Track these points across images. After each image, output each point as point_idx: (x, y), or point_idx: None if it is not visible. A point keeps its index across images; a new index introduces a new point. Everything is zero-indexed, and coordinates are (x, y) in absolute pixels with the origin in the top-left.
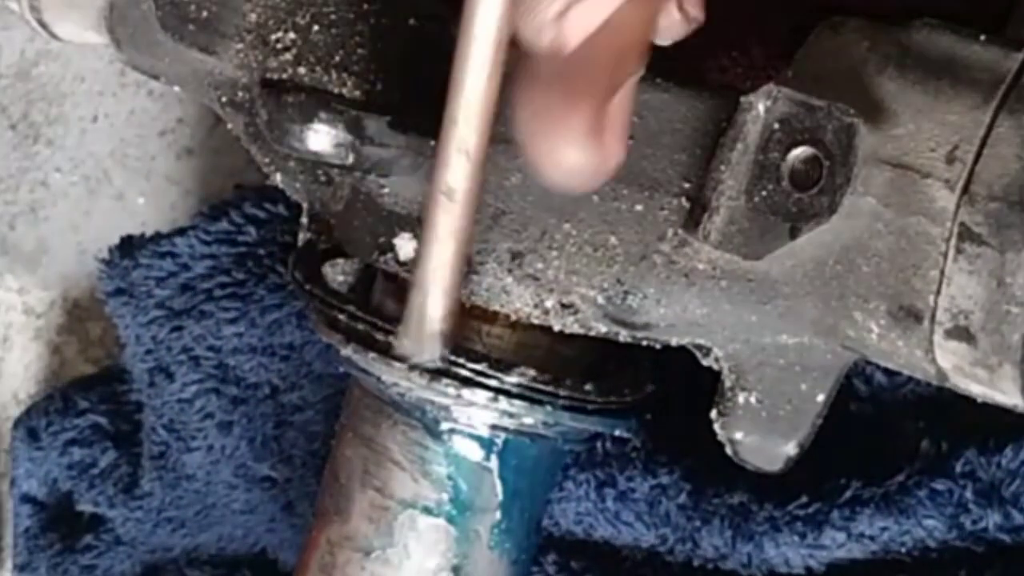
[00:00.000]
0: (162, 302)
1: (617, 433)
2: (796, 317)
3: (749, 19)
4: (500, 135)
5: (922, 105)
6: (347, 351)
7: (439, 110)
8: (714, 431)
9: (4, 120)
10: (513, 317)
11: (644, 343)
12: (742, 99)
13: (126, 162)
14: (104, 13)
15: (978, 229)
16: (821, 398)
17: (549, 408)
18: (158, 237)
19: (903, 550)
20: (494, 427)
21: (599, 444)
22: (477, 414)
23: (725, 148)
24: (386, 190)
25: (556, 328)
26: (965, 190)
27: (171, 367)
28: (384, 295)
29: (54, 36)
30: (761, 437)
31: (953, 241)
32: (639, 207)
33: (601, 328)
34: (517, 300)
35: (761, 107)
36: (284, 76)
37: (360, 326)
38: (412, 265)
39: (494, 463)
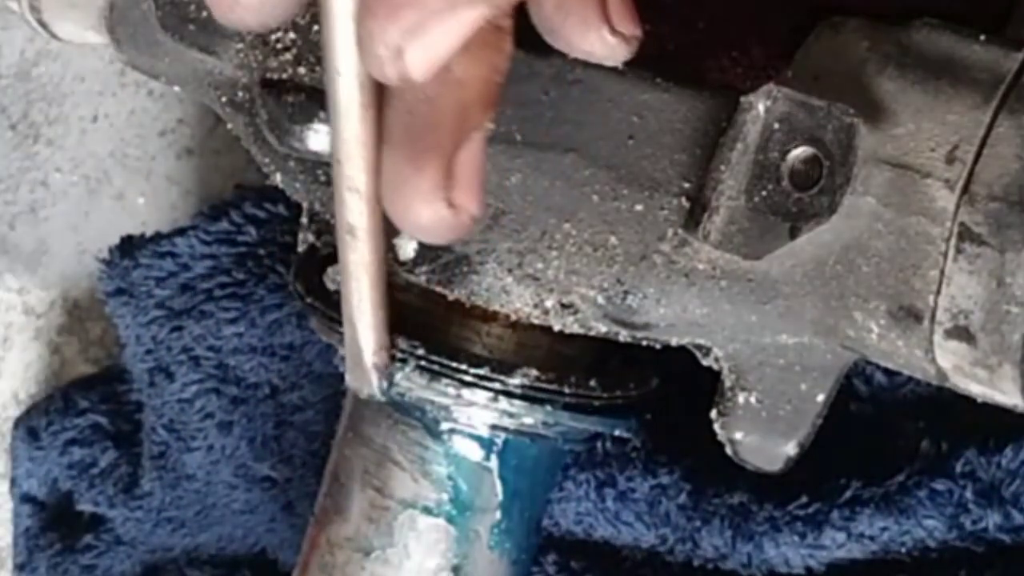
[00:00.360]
0: (162, 302)
1: (617, 433)
2: (796, 317)
3: (749, 19)
4: (500, 136)
5: (922, 105)
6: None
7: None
8: (714, 431)
9: (4, 120)
10: (513, 317)
11: (644, 343)
12: (742, 99)
13: (126, 162)
14: (104, 13)
15: (978, 229)
16: (821, 398)
17: (549, 408)
18: (158, 237)
19: (903, 550)
20: (494, 427)
21: (599, 444)
22: (477, 414)
23: (725, 148)
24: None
25: (556, 328)
26: (965, 190)
27: (171, 367)
28: None
29: (54, 36)
30: (761, 437)
31: (953, 241)
32: (639, 207)
33: (601, 328)
34: (517, 300)
35: (761, 107)
36: (284, 76)
37: None
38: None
39: (494, 463)
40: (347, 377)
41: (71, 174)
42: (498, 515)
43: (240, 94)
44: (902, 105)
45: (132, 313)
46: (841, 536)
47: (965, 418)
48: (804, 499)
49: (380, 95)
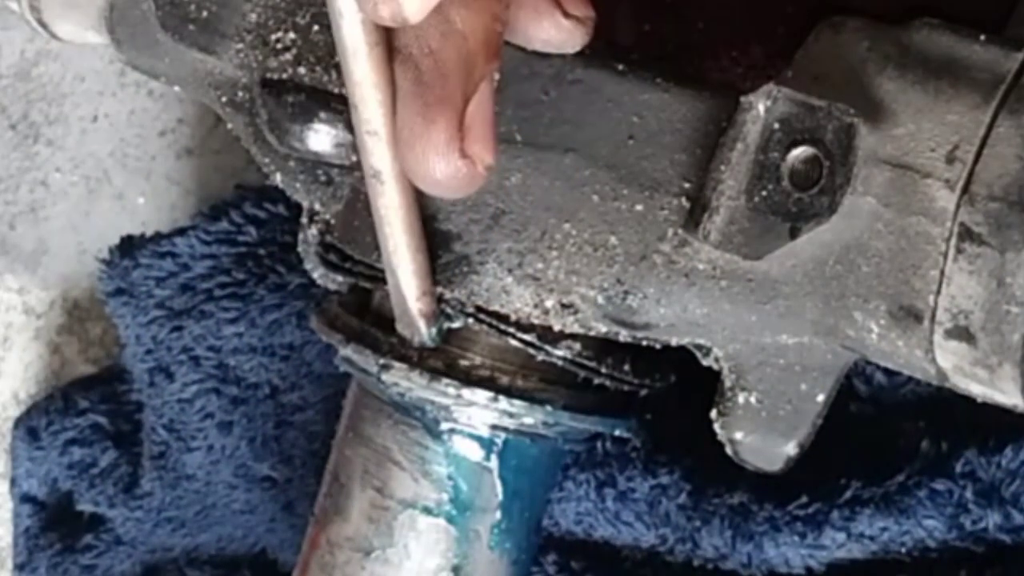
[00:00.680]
0: (162, 302)
1: (617, 433)
2: (796, 317)
3: (749, 19)
4: (500, 136)
5: (922, 105)
6: (346, 351)
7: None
8: (714, 431)
9: (4, 120)
10: (513, 318)
11: (644, 343)
12: (742, 99)
13: (126, 162)
14: (104, 13)
15: (978, 229)
16: (821, 398)
17: (549, 408)
18: (158, 237)
19: (903, 550)
20: (494, 427)
21: (599, 444)
22: (477, 414)
23: (725, 148)
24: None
25: (556, 328)
26: (965, 190)
27: (171, 367)
28: (384, 295)
29: (54, 36)
30: (761, 437)
31: (953, 241)
32: (639, 207)
33: (601, 328)
34: (517, 300)
35: (761, 107)
36: (284, 76)
37: (359, 326)
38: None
39: (494, 463)
40: (397, 326)
41: (71, 174)
42: (498, 515)
43: (240, 94)
44: (902, 105)
45: (132, 313)
46: (841, 536)
47: (965, 418)
48: (804, 499)
49: (386, 36)
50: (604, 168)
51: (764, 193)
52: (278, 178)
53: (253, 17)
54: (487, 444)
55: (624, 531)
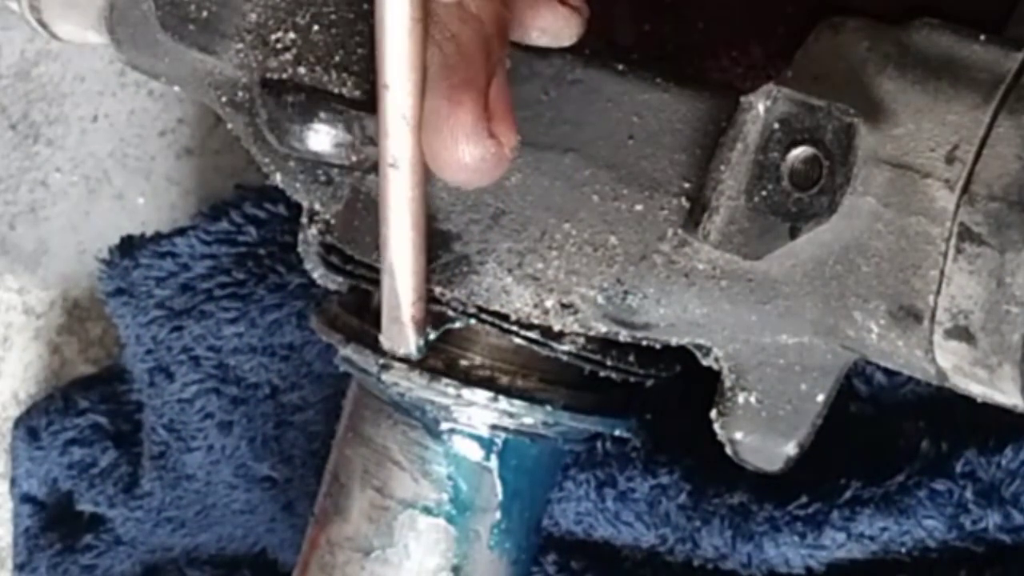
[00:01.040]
0: (162, 302)
1: (617, 433)
2: (796, 317)
3: (749, 19)
4: None
5: (922, 105)
6: (346, 351)
7: (374, 84)
8: (714, 431)
9: (4, 120)
10: (513, 317)
11: (644, 343)
12: (742, 99)
13: (126, 162)
14: (104, 13)
15: (978, 229)
16: (821, 398)
17: (549, 408)
18: (158, 237)
19: (903, 550)
20: (494, 427)
21: (599, 444)
22: (477, 414)
23: (725, 148)
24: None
25: (556, 328)
26: (965, 190)
27: (171, 367)
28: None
29: (54, 36)
30: (761, 437)
31: (953, 241)
32: (639, 207)
33: (601, 328)
34: (517, 300)
35: (761, 107)
36: (284, 76)
37: (359, 325)
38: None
39: (494, 463)
40: (381, 337)
41: (71, 174)
42: (498, 515)
43: (240, 94)
44: (902, 105)
45: (132, 313)
46: (841, 536)
47: (965, 418)
48: (804, 499)
49: (427, 14)
50: (604, 168)
51: (764, 193)
52: (278, 178)
53: (253, 17)
54: (487, 444)
55: (624, 531)
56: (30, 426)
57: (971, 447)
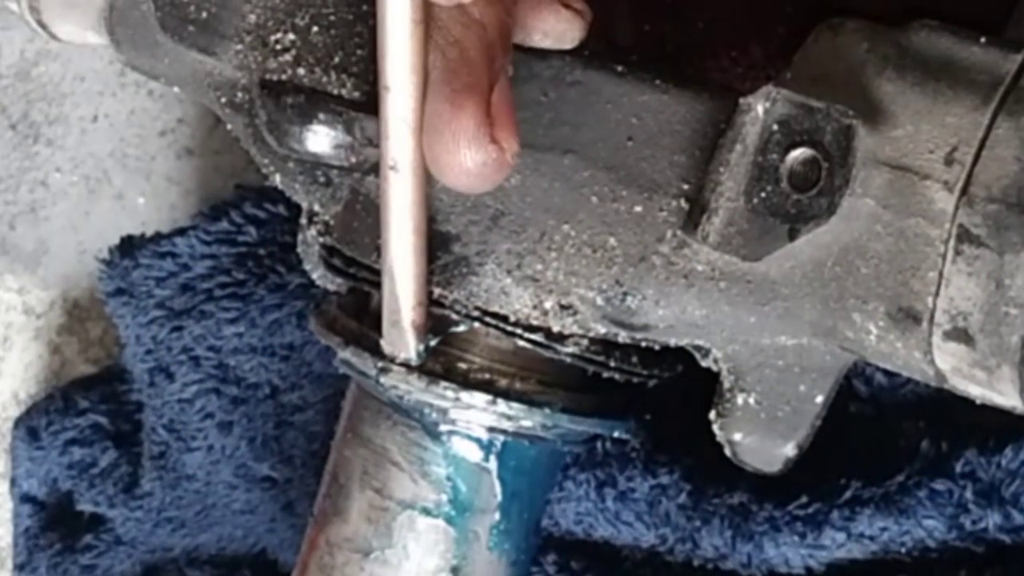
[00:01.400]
0: (162, 302)
1: (616, 435)
2: (795, 318)
3: (749, 19)
4: None
5: (921, 107)
6: (345, 354)
7: (373, 85)
8: (713, 431)
9: (4, 120)
10: (512, 319)
11: (643, 344)
12: (741, 100)
13: (126, 162)
14: (104, 14)
15: (977, 231)
16: (820, 399)
17: (547, 411)
18: (158, 237)
19: (903, 550)
20: (492, 429)
21: (599, 444)
22: (476, 416)
23: (724, 149)
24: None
25: (555, 329)
26: (964, 192)
27: (171, 367)
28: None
29: (54, 37)
30: (760, 438)
31: (952, 243)
32: (638, 208)
33: (600, 329)
34: (516, 301)
35: (760, 109)
36: (283, 77)
37: (358, 328)
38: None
39: (493, 464)
40: (382, 341)
41: (71, 174)
42: (497, 516)
43: (239, 95)
44: (901, 107)
45: (132, 313)
46: (841, 536)
47: (965, 418)
48: (804, 499)
49: (428, 16)
50: (603, 169)
51: (763, 195)
52: (277, 179)
53: (252, 18)
54: (486, 445)
55: (624, 531)
56: (30, 426)
57: (971, 447)
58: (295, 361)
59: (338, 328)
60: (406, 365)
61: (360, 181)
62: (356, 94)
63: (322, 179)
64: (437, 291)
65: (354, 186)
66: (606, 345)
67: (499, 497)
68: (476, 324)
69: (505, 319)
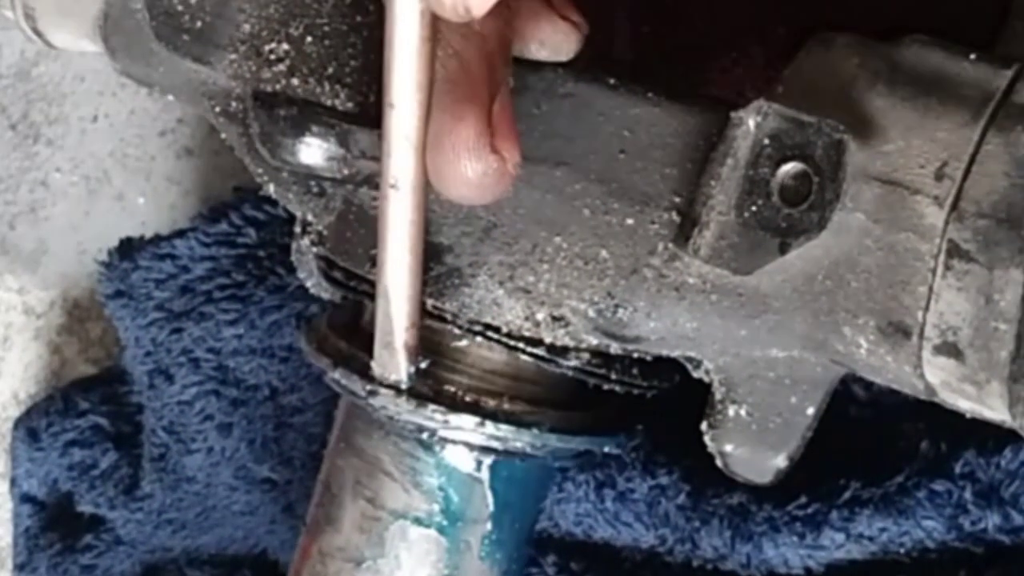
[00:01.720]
0: (161, 304)
1: (606, 450)
2: (786, 331)
3: (749, 20)
4: None
5: (911, 121)
6: (334, 375)
7: (378, 102)
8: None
9: (4, 120)
10: (504, 330)
11: (635, 355)
12: (732, 115)
13: (126, 162)
14: (98, 22)
15: (966, 246)
16: (811, 411)
17: (536, 431)
18: (157, 239)
19: (902, 551)
20: (482, 449)
21: None
22: (465, 436)
23: (715, 163)
24: (377, 202)
25: (547, 340)
26: (954, 207)
27: (171, 369)
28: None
29: (49, 44)
30: (751, 449)
31: (942, 258)
32: (630, 221)
33: (592, 341)
34: (508, 313)
35: (751, 123)
36: (277, 87)
37: (347, 349)
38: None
39: (485, 475)
40: (373, 363)
41: (71, 174)
42: (489, 526)
43: (234, 104)
44: (892, 121)
45: (131, 315)
46: (840, 537)
47: (964, 419)
48: (803, 499)
49: (435, 33)
50: (595, 182)
51: (754, 208)
52: (271, 188)
53: (247, 28)
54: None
55: (623, 532)
56: (30, 427)
57: (970, 448)
58: (295, 363)
59: (327, 349)
60: (395, 388)
61: (353, 192)
62: (350, 105)
63: (315, 189)
64: (429, 302)
65: (347, 197)
66: (607, 358)
67: (491, 507)
68: (477, 339)
69: (498, 331)
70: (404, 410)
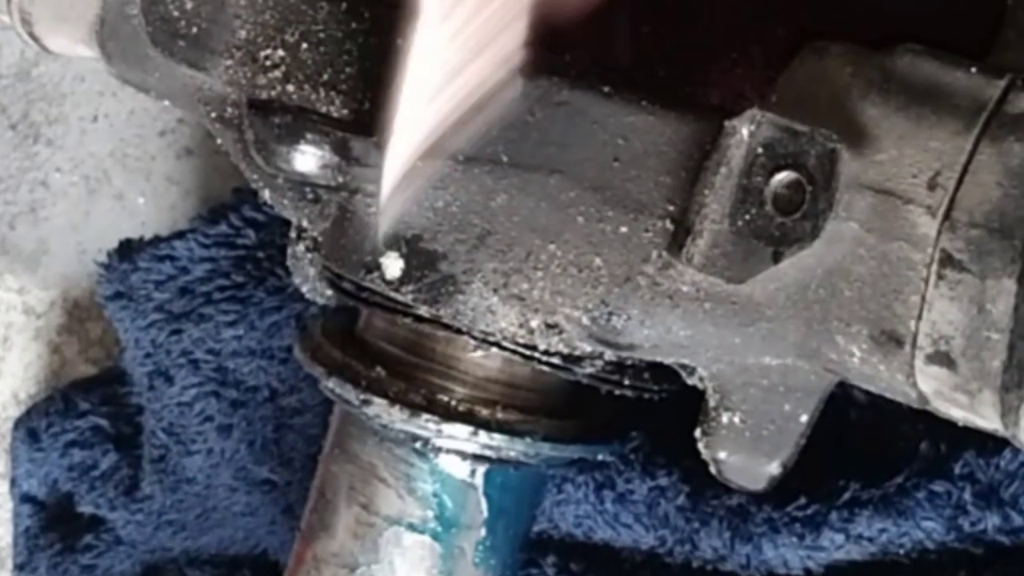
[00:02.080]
0: (161, 305)
1: (600, 458)
2: (779, 340)
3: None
4: (485, 156)
5: (904, 131)
6: (328, 383)
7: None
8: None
9: (4, 120)
10: (499, 337)
11: (630, 361)
12: (726, 123)
13: (126, 162)
14: (95, 27)
15: (959, 255)
16: (805, 418)
17: (529, 440)
18: (157, 240)
19: (901, 552)
20: (476, 457)
21: None
22: (458, 445)
23: (709, 172)
24: (372, 209)
25: (541, 347)
26: (946, 216)
27: (170, 370)
28: (367, 326)
29: (45, 49)
30: (745, 457)
31: (934, 267)
32: (624, 229)
33: (586, 348)
34: (502, 320)
35: (745, 132)
36: (273, 93)
37: (341, 358)
38: None
39: (479, 481)
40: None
41: (71, 174)
42: (483, 532)
43: (229, 110)
44: (885, 131)
45: (131, 317)
46: (840, 537)
47: None
48: (803, 500)
49: None
50: (589, 190)
51: (747, 217)
52: (266, 194)
53: (243, 34)
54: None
55: (623, 533)
56: (30, 428)
57: (970, 449)
58: (294, 364)
59: (321, 358)
60: (387, 396)
61: (348, 199)
62: (345, 112)
63: (310, 196)
64: (424, 309)
65: (342, 203)
66: (619, 364)
67: (485, 513)
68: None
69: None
70: (397, 419)
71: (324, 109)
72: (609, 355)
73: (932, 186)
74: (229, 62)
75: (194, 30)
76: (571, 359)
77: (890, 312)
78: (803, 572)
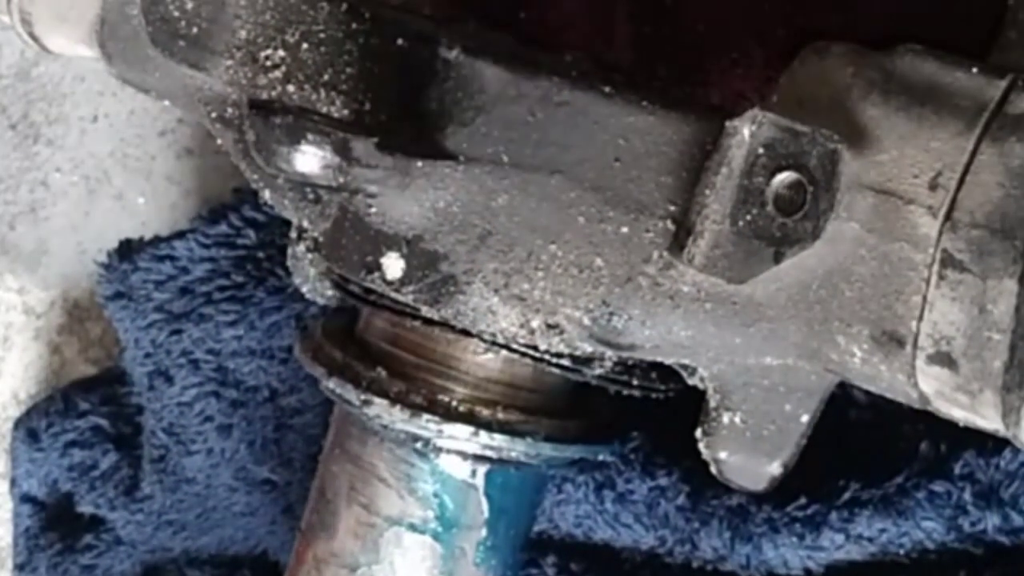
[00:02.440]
0: (161, 305)
1: (600, 458)
2: (780, 340)
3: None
4: (487, 157)
5: (906, 131)
6: (329, 383)
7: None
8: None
9: (4, 120)
10: (500, 338)
11: (631, 362)
12: (727, 124)
13: (126, 162)
14: (95, 27)
15: (960, 256)
16: (805, 419)
17: (530, 440)
18: (157, 240)
19: (901, 551)
20: (477, 457)
21: None
22: (459, 446)
23: (710, 172)
24: (373, 209)
25: (542, 347)
26: (948, 217)
27: (170, 371)
28: (367, 326)
29: (45, 49)
30: (745, 457)
31: (935, 267)
32: (625, 229)
33: (587, 348)
34: (503, 320)
35: (746, 132)
36: (273, 94)
37: (342, 359)
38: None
39: (480, 481)
40: None
41: (71, 174)
42: (484, 532)
43: (229, 110)
44: (886, 131)
45: (131, 317)
46: (840, 537)
47: None
48: (803, 500)
49: None
50: (590, 190)
51: (748, 218)
52: (267, 195)
53: (243, 34)
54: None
55: (623, 533)
56: (30, 428)
57: (970, 449)
58: (294, 364)
59: (322, 358)
60: (388, 397)
61: (349, 199)
62: (345, 112)
63: (311, 196)
64: (424, 309)
65: (343, 204)
66: (627, 364)
67: (486, 514)
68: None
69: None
70: (398, 419)
71: (325, 109)
72: (615, 355)
73: (933, 186)
74: (229, 62)
75: (194, 30)
76: (580, 360)
77: (891, 312)
78: (803, 572)
